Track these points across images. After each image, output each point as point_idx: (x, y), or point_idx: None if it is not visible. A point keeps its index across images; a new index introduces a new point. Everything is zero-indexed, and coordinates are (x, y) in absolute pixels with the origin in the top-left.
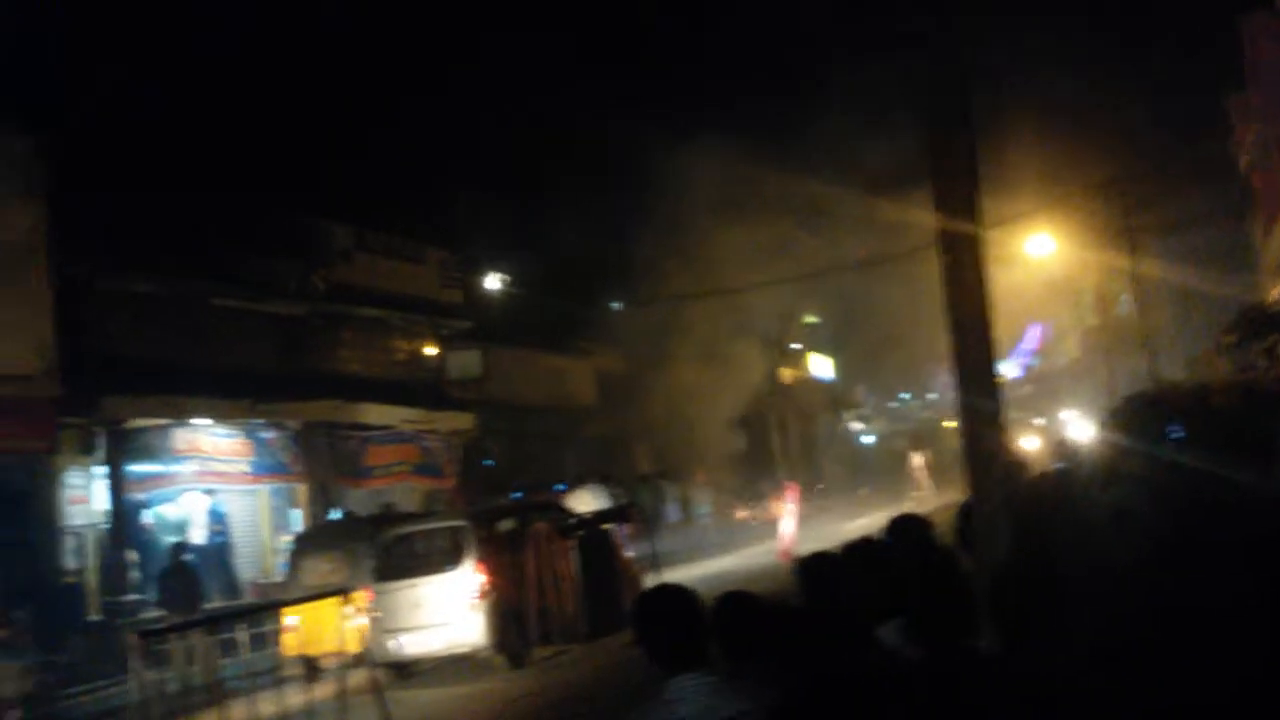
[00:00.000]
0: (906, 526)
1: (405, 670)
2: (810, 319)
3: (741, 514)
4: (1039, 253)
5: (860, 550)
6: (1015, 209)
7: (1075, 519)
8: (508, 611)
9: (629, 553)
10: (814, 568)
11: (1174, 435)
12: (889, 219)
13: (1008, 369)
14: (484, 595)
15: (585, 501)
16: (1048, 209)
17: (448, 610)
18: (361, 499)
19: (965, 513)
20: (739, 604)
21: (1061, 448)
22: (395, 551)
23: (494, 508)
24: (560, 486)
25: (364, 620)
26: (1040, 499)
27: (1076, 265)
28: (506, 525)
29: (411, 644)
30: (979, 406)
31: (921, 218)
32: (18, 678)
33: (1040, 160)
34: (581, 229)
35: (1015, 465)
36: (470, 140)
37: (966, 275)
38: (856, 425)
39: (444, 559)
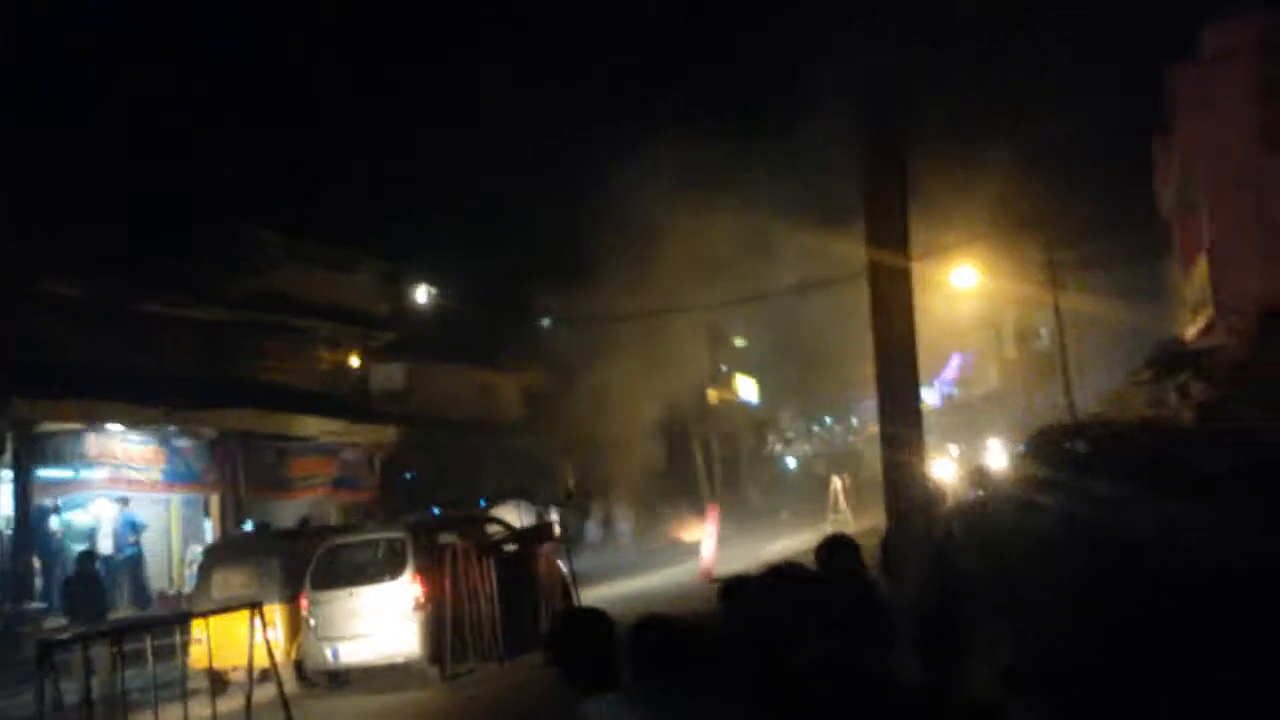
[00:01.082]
0: (835, 549)
1: (339, 678)
2: (738, 342)
3: (675, 532)
4: (963, 284)
5: (783, 573)
6: (941, 239)
7: (993, 546)
8: (442, 623)
9: (562, 566)
10: (735, 590)
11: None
12: (820, 245)
13: (928, 396)
14: (421, 606)
15: (511, 517)
16: (972, 242)
17: (384, 620)
18: (279, 511)
19: (886, 543)
20: (655, 626)
21: (978, 476)
22: (333, 560)
23: (432, 520)
24: (482, 502)
25: (273, 635)
26: (959, 526)
27: (998, 298)
28: (446, 538)
29: (347, 652)
30: (901, 432)
31: (851, 247)
32: None
33: (967, 194)
34: (514, 243)
35: (933, 493)
36: (409, 151)
37: (894, 305)
38: (779, 449)
39: (382, 569)
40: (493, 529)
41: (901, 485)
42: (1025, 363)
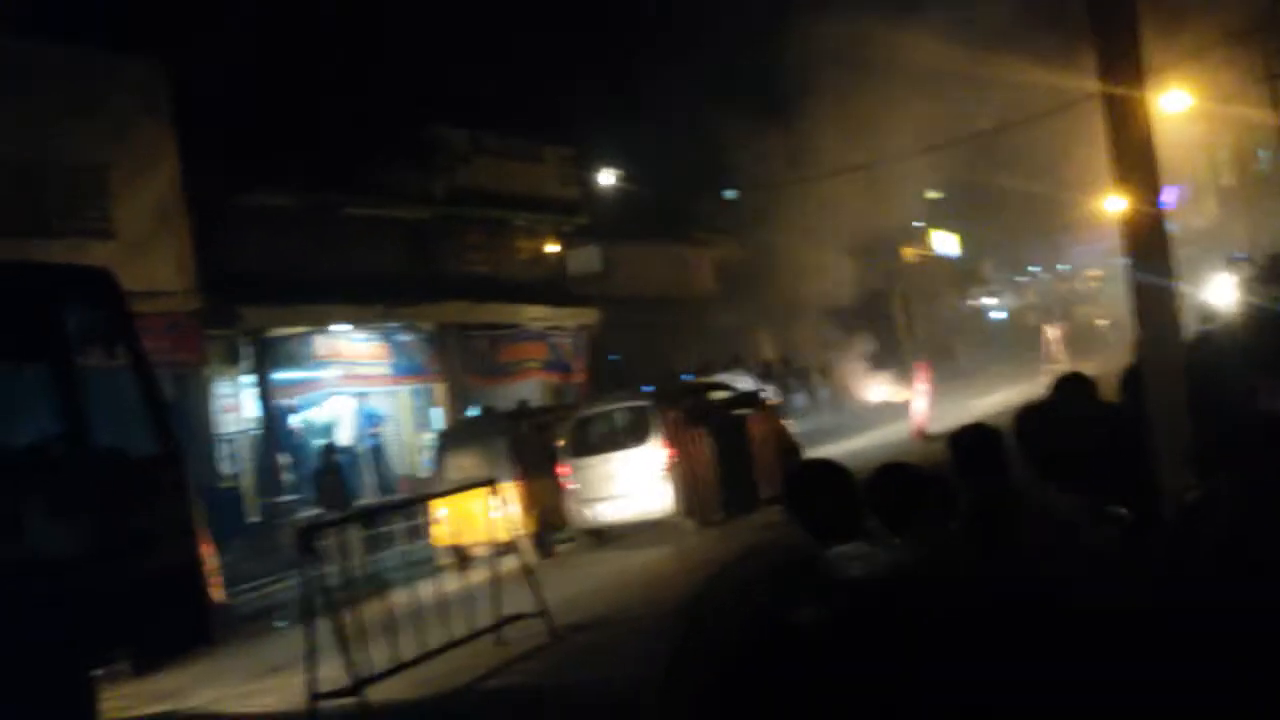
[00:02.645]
0: (1073, 386)
1: (602, 535)
2: (933, 194)
3: (881, 394)
4: (1174, 108)
5: (1029, 413)
6: (1149, 64)
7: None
8: (691, 481)
9: (790, 428)
10: (966, 439)
11: None
12: (1016, 82)
13: None
14: (671, 467)
15: (741, 383)
16: (1182, 63)
17: (638, 481)
18: (495, 395)
19: (1132, 374)
20: (896, 474)
21: (1204, 312)
22: (587, 430)
23: (671, 389)
24: (688, 376)
25: (513, 509)
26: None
27: (1212, 122)
28: (686, 404)
29: (607, 512)
30: (1149, 261)
31: (1047, 79)
32: None
33: (1174, 8)
34: (696, 116)
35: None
36: (579, 36)
37: (1134, 139)
38: (986, 301)
39: (631, 436)
40: (719, 395)
41: (1154, 316)
42: (1244, 190)
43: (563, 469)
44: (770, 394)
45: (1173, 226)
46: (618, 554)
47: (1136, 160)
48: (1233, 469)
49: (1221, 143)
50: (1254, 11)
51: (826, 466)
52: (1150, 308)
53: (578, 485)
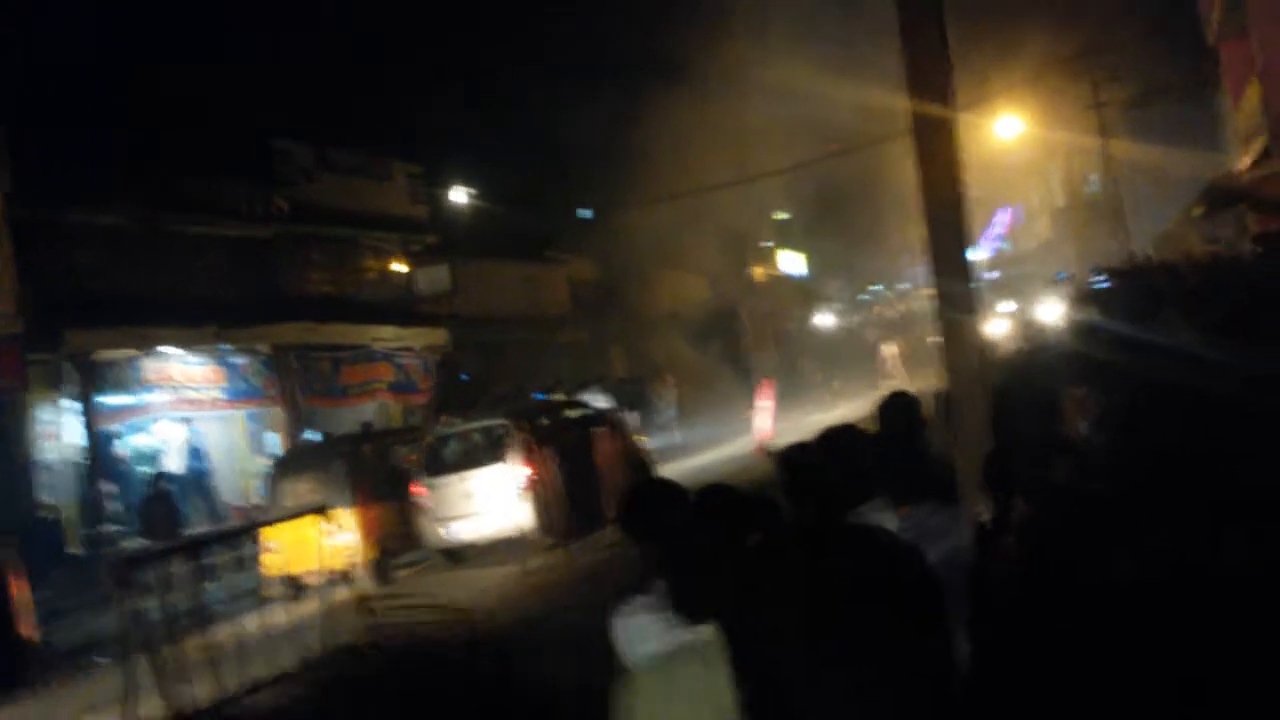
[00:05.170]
0: (895, 405)
1: (455, 555)
2: (780, 215)
3: (727, 410)
4: (1007, 134)
5: (837, 435)
6: (983, 91)
7: (1035, 391)
8: (544, 499)
9: (644, 444)
10: (793, 457)
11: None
12: (862, 107)
13: (978, 253)
14: (531, 485)
15: (596, 402)
16: (1015, 89)
17: (495, 499)
18: (340, 419)
19: (945, 398)
20: (717, 493)
21: (1030, 329)
22: (442, 449)
23: (528, 407)
24: (538, 396)
25: (348, 536)
26: (1008, 375)
27: (1044, 146)
28: (541, 422)
29: (463, 530)
30: (953, 290)
31: (891, 104)
32: None
33: (1008, 38)
34: (547, 136)
35: (988, 347)
36: (433, 50)
37: (940, 159)
38: (828, 319)
39: (488, 454)
40: (574, 413)
41: (956, 342)
42: (1076, 211)
43: (417, 488)
44: (622, 412)
45: (1006, 246)
46: (468, 573)
47: (942, 186)
48: (1024, 490)
49: (1054, 166)
50: (1082, 40)
51: (657, 485)
52: (954, 336)
53: (433, 504)
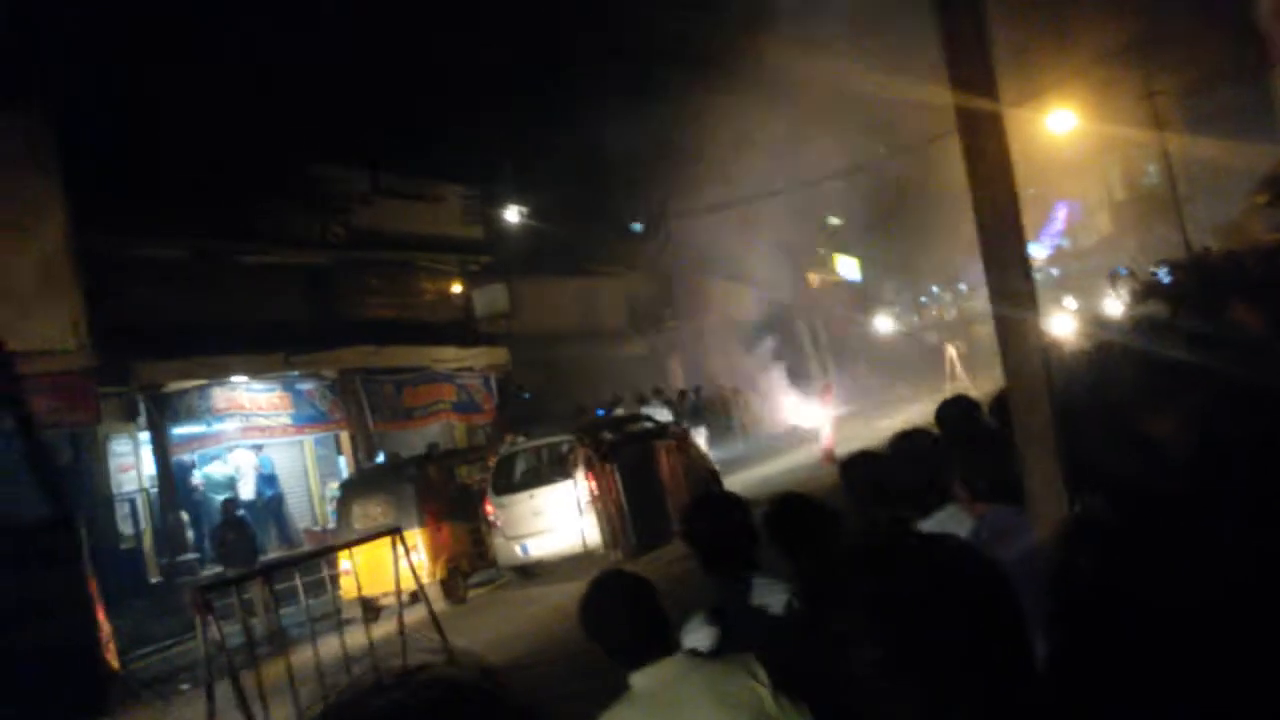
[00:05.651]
0: (954, 408)
1: (529, 571)
2: (834, 221)
3: (791, 419)
4: (1060, 128)
5: (906, 439)
6: (1035, 85)
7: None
8: (608, 515)
9: (709, 456)
10: (857, 464)
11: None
12: (915, 105)
13: (1037, 250)
14: (594, 500)
15: (657, 415)
16: (1067, 83)
17: (562, 515)
18: (406, 440)
19: (1001, 398)
20: (791, 504)
21: (1095, 324)
22: (510, 467)
23: (593, 423)
24: (599, 412)
25: (418, 558)
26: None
27: (1100, 140)
28: (605, 437)
29: (533, 547)
30: (1009, 288)
31: (943, 101)
32: None
33: (1058, 31)
34: (597, 150)
35: (1049, 345)
36: (480, 69)
37: (990, 155)
38: (887, 323)
39: (554, 471)
40: (638, 426)
41: (1015, 341)
42: (1136, 204)
43: (489, 506)
44: (684, 425)
45: (1065, 243)
46: (540, 590)
47: (993, 183)
48: (1100, 490)
49: (1112, 160)
50: (1131, 31)
51: (720, 499)
52: (1012, 336)
53: (503, 522)
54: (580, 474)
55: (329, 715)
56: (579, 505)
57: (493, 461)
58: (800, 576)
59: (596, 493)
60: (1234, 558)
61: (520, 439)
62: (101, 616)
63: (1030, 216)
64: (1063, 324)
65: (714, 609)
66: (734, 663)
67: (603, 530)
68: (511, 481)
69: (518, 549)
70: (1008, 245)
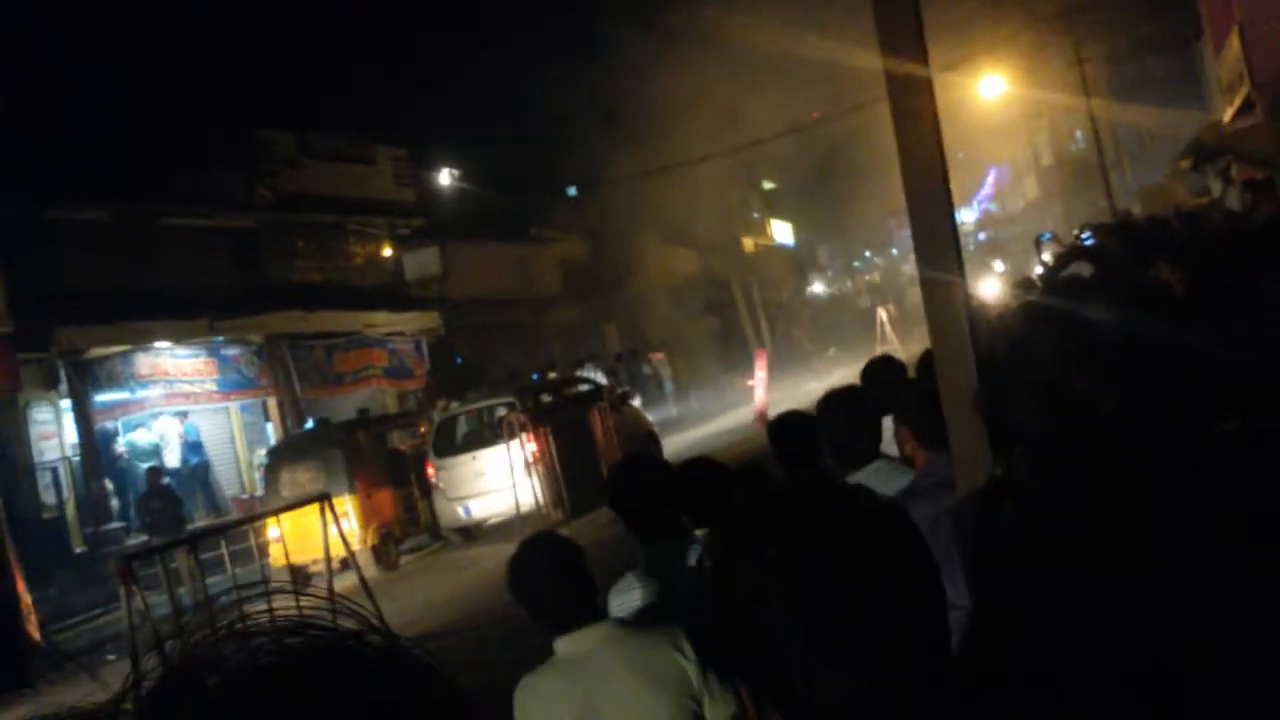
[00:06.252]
0: (878, 368)
1: (470, 533)
2: (768, 185)
3: (726, 381)
4: (990, 93)
5: (832, 399)
6: (966, 50)
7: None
8: (553, 476)
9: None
10: (784, 424)
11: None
12: (848, 69)
13: (966, 214)
14: (535, 462)
15: (598, 380)
16: (997, 48)
17: (505, 476)
18: (336, 406)
19: (926, 359)
20: (701, 466)
21: (1023, 286)
22: (451, 429)
23: (533, 385)
24: (534, 376)
25: (349, 525)
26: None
27: (1029, 105)
28: (544, 400)
29: (476, 508)
30: (935, 252)
31: (875, 66)
32: None
33: None
34: (531, 113)
35: (975, 308)
36: (412, 30)
37: (919, 120)
38: (820, 287)
39: (495, 433)
40: (576, 390)
41: (940, 304)
42: (1062, 170)
43: (430, 469)
44: (623, 389)
45: (993, 207)
46: (478, 551)
47: (922, 147)
48: (1024, 446)
49: (1040, 125)
50: None
51: (642, 461)
52: (937, 298)
53: (445, 484)
54: (522, 436)
55: (171, 678)
56: (521, 467)
57: (424, 428)
58: (710, 530)
59: (538, 454)
60: (1153, 515)
61: (454, 404)
62: (21, 587)
63: (960, 180)
64: (990, 287)
65: (646, 570)
66: (659, 633)
67: (543, 491)
68: (454, 443)
69: (460, 510)
70: (935, 209)
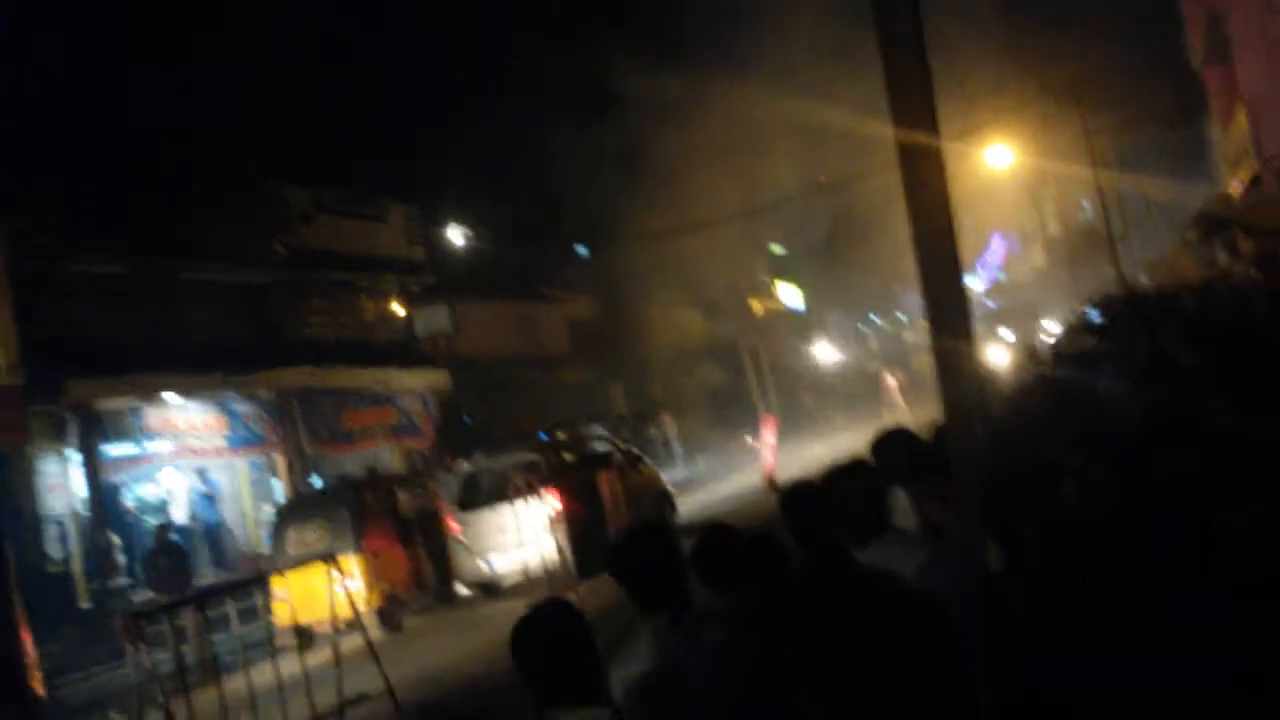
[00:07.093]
0: (890, 442)
1: (491, 588)
2: (777, 249)
3: (733, 444)
4: (998, 163)
5: (842, 473)
6: (974, 120)
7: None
8: (578, 531)
9: (664, 479)
10: (796, 496)
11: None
12: (853, 138)
13: (974, 282)
14: (560, 518)
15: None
16: (1004, 118)
17: (529, 531)
18: (343, 464)
19: (939, 433)
20: (718, 537)
21: (1031, 356)
22: (474, 485)
23: (557, 443)
24: (542, 435)
25: (355, 585)
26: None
27: (1037, 174)
28: (569, 457)
29: (499, 562)
30: (948, 322)
31: (883, 133)
32: None
33: (995, 68)
34: (543, 174)
35: (986, 377)
36: (427, 92)
37: (929, 188)
38: (828, 351)
39: (521, 488)
40: (597, 448)
41: (953, 373)
42: (1070, 239)
43: (452, 523)
44: (635, 450)
45: (1002, 276)
46: (484, 611)
47: (932, 215)
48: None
49: (1047, 194)
50: (1070, 70)
51: (646, 531)
52: (949, 366)
53: (468, 537)
54: (546, 492)
55: None
56: (543, 522)
57: (432, 486)
58: (743, 610)
59: (562, 511)
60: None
61: (463, 463)
62: (27, 641)
63: (965, 247)
64: (1000, 356)
65: (648, 641)
66: None
67: (563, 548)
68: (477, 497)
69: (483, 564)
70: (946, 277)
